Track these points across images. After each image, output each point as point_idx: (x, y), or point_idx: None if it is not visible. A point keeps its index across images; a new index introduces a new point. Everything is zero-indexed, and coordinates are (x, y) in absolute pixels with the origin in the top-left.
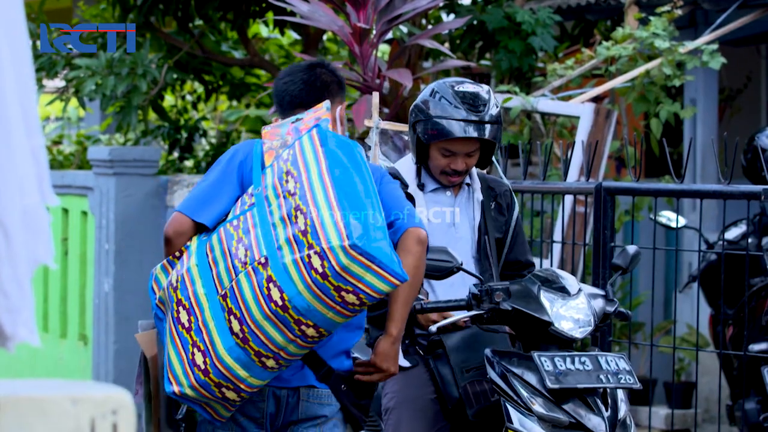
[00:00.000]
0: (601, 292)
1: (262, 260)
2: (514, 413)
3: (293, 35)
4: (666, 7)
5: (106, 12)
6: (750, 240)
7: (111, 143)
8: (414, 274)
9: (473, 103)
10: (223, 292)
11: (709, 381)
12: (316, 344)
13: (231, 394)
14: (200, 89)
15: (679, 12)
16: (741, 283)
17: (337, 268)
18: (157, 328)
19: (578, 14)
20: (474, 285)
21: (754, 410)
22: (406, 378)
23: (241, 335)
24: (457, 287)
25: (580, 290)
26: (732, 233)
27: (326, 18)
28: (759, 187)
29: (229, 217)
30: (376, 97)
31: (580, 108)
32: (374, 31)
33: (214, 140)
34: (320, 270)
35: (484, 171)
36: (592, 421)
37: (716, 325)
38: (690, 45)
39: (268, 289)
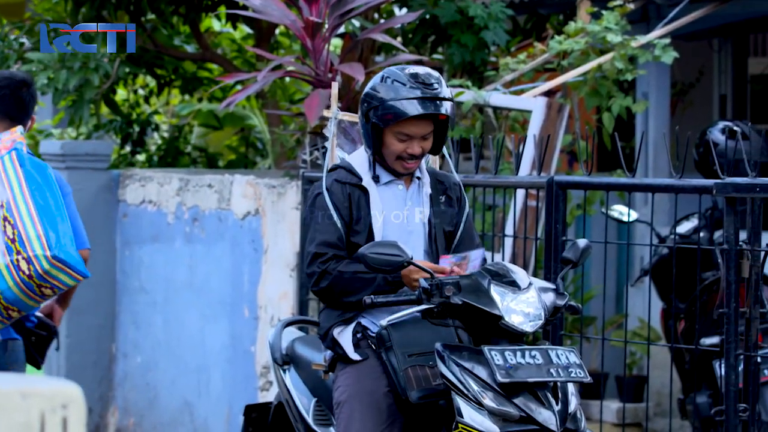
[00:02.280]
0: (552, 286)
1: None
2: (464, 407)
3: (246, 29)
4: (618, 2)
5: (58, 6)
6: (702, 234)
7: (63, 137)
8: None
9: (426, 81)
10: None
11: (661, 375)
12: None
13: None
14: (152, 83)
15: (631, 6)
16: (693, 277)
17: (40, 271)
18: None
19: (531, 8)
20: (424, 279)
21: (706, 404)
22: (359, 371)
23: None
24: None
25: (530, 284)
26: (684, 227)
27: (278, 12)
28: (711, 182)
29: None
30: (335, 87)
31: (532, 102)
32: (326, 25)
33: (166, 134)
34: (27, 272)
35: (436, 165)
36: (543, 414)
37: (668, 319)
38: (642, 39)
39: None
